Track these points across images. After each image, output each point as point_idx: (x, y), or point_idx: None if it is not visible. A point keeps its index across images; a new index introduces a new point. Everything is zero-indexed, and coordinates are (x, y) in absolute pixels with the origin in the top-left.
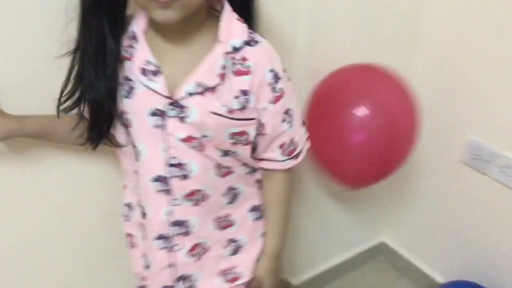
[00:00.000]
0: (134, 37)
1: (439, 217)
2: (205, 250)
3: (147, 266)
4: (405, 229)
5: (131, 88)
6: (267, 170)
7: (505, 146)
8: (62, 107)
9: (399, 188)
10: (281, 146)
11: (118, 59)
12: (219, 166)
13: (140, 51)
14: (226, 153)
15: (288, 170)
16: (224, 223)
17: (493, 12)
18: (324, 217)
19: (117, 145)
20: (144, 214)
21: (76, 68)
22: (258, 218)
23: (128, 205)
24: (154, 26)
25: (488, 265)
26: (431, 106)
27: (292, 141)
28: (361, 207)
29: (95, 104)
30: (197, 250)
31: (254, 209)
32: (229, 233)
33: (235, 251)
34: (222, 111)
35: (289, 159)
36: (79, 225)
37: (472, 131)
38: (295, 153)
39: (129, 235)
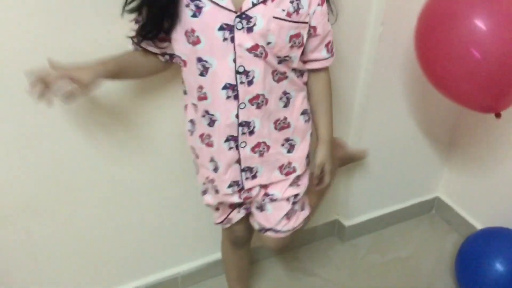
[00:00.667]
0: None
1: (499, 178)
2: (266, 148)
3: (215, 169)
4: (460, 185)
5: (199, 7)
6: (313, 70)
7: None
8: (127, 7)
9: (459, 144)
10: (327, 44)
11: None
12: (275, 72)
13: None
14: (281, 60)
15: (327, 68)
16: (281, 125)
17: None
18: (383, 166)
19: (165, 53)
20: (213, 122)
21: None
22: (307, 121)
23: (192, 121)
24: None
25: None
26: None
27: (331, 41)
28: (420, 161)
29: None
30: (259, 148)
31: (304, 112)
32: (286, 133)
33: (290, 150)
34: (282, 15)
35: (331, 56)
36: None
37: None
38: (334, 49)
39: (193, 148)
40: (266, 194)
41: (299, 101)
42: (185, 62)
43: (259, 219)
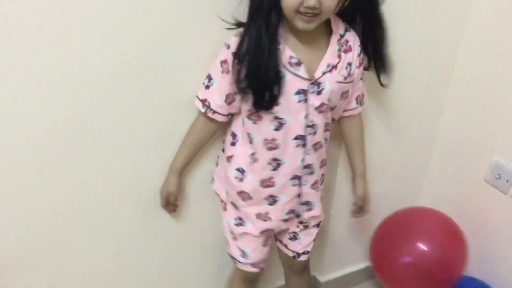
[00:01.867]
0: (278, 41)
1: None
2: (319, 184)
3: (271, 203)
4: None
5: (280, 77)
6: (347, 117)
7: None
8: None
9: (420, 201)
10: (357, 98)
11: (276, 52)
12: (327, 124)
13: (285, 50)
14: (331, 111)
15: (360, 114)
16: (323, 164)
17: None
18: (355, 221)
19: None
20: (278, 166)
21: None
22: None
23: (239, 169)
24: (292, 30)
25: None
26: (461, 124)
27: (362, 93)
28: None
29: (262, 86)
30: (316, 185)
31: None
32: (322, 170)
33: (321, 183)
34: (341, 79)
35: (360, 106)
36: None
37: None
38: (363, 100)
39: (242, 192)
40: (301, 222)
41: (327, 145)
42: (260, 118)
43: (294, 248)
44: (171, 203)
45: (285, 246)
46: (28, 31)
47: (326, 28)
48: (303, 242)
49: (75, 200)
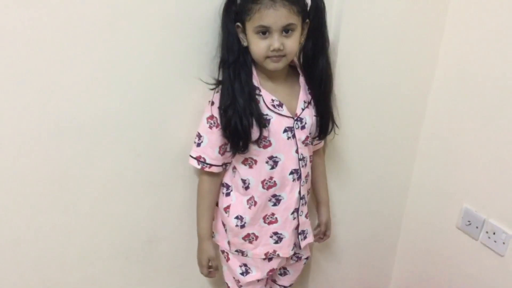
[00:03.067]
0: (257, 88)
1: (430, 280)
2: (308, 212)
3: (277, 242)
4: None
5: (268, 119)
6: (317, 150)
7: (492, 214)
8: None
9: (400, 248)
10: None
11: (254, 95)
12: (310, 155)
13: (266, 96)
14: (309, 143)
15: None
16: (308, 192)
17: (489, 93)
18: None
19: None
20: (278, 201)
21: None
22: None
23: (238, 217)
24: (264, 76)
25: None
26: (432, 173)
27: None
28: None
29: (241, 125)
30: (307, 213)
31: None
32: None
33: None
34: (315, 113)
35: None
36: None
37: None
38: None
39: (248, 235)
40: (295, 253)
41: None
42: (256, 162)
43: (282, 282)
44: (214, 267)
45: (274, 281)
46: (15, 79)
47: (294, 71)
48: (291, 278)
49: (63, 246)
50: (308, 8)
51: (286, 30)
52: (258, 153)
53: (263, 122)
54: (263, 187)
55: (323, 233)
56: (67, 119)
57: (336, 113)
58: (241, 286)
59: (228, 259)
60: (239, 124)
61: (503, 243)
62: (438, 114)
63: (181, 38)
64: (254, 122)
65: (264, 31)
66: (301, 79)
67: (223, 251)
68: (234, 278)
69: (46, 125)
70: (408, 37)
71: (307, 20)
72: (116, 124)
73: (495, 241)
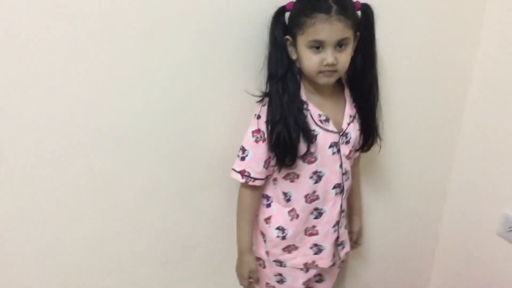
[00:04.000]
0: (305, 103)
1: (471, 286)
2: (346, 224)
3: (316, 253)
4: None
5: (315, 135)
6: (353, 158)
7: None
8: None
9: (438, 255)
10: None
11: (304, 112)
12: (351, 167)
13: (313, 110)
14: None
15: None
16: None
17: None
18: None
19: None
20: (320, 215)
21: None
22: None
23: (280, 228)
24: (312, 90)
25: None
26: (471, 178)
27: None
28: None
29: (290, 140)
30: (346, 225)
31: None
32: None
33: None
34: (359, 127)
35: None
36: None
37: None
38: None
39: (288, 246)
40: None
41: None
42: (298, 176)
43: None
44: (255, 279)
45: None
46: (52, 87)
47: (339, 84)
48: (328, 284)
49: (102, 252)
50: (359, 20)
51: (340, 44)
52: (302, 168)
53: (310, 138)
54: (306, 201)
55: (354, 241)
56: (107, 128)
57: (381, 127)
58: None
59: (264, 267)
60: (288, 140)
61: None
62: (476, 118)
63: (224, 48)
64: (302, 138)
65: (318, 46)
66: (347, 92)
67: (259, 258)
68: (268, 284)
69: (87, 133)
70: (443, 46)
71: (358, 33)
72: (153, 132)
73: None
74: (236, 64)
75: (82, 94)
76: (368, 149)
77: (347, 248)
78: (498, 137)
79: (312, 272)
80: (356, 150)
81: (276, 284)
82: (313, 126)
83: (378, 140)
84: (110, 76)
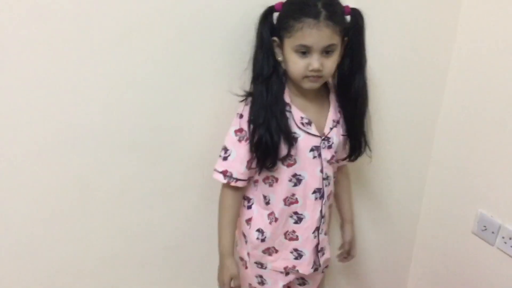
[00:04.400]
0: (288, 105)
1: (447, 284)
2: (327, 230)
3: (296, 258)
4: None
5: (295, 138)
6: (340, 167)
7: (507, 219)
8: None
9: (415, 254)
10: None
11: (285, 115)
12: (334, 173)
13: (295, 112)
14: (335, 162)
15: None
16: (329, 211)
17: (505, 96)
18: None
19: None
20: (300, 220)
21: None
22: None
23: (259, 230)
24: (296, 92)
25: None
26: (446, 178)
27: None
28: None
29: (272, 142)
30: (326, 231)
31: None
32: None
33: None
34: (344, 132)
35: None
36: None
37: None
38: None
39: (268, 249)
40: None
41: None
42: (277, 180)
43: None
44: (237, 285)
45: None
46: (29, 87)
47: (325, 88)
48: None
49: (79, 255)
50: (349, 24)
51: (327, 50)
52: (281, 171)
53: (291, 141)
54: (285, 204)
55: (347, 252)
56: (83, 128)
57: (370, 135)
58: None
59: (246, 267)
60: (270, 141)
61: None
62: (451, 119)
63: (207, 47)
64: (282, 140)
65: (304, 51)
66: (332, 97)
67: (242, 259)
68: (250, 284)
69: (62, 133)
70: (420, 49)
71: (346, 38)
72: (133, 132)
73: (511, 246)
74: (219, 64)
75: (60, 93)
76: (355, 159)
77: (327, 254)
78: (473, 138)
79: (292, 276)
80: (343, 159)
81: (258, 286)
82: (294, 129)
83: (367, 151)
84: (89, 75)
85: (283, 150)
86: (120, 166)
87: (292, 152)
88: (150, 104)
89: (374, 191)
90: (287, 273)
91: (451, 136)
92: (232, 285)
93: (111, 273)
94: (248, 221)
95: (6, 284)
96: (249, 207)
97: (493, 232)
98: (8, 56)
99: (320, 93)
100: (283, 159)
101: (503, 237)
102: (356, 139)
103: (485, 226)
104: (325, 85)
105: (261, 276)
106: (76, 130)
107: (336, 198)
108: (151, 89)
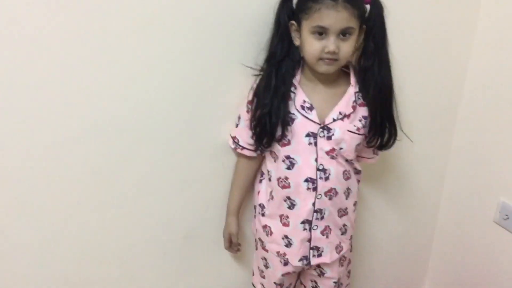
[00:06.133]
0: (294, 86)
1: (467, 275)
2: (329, 231)
3: (287, 245)
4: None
5: (292, 119)
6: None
7: None
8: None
9: (435, 243)
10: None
11: (288, 97)
12: (345, 171)
13: (299, 95)
14: (348, 162)
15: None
16: (342, 213)
17: None
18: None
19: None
20: (292, 206)
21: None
22: (355, 210)
23: (261, 205)
24: (309, 76)
25: None
26: (467, 167)
27: None
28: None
29: (270, 124)
30: (326, 231)
31: (355, 203)
32: (344, 220)
33: (343, 233)
34: (354, 129)
35: (376, 155)
36: None
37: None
38: (378, 151)
39: (266, 226)
40: (319, 267)
41: (353, 195)
42: (278, 157)
43: None
44: (234, 243)
45: None
46: (50, 80)
47: (345, 81)
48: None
49: (101, 244)
50: (368, 14)
51: (344, 33)
52: (277, 150)
53: (287, 120)
54: (278, 184)
55: None
56: (105, 118)
57: (398, 123)
58: (264, 277)
59: (256, 248)
60: (268, 123)
61: None
62: (473, 107)
63: (225, 30)
64: (280, 122)
65: (321, 32)
66: (351, 89)
67: (255, 240)
68: (258, 267)
69: (84, 124)
70: (440, 41)
71: (364, 26)
72: (152, 121)
73: None
74: (239, 52)
75: (79, 86)
76: (386, 146)
77: (324, 258)
78: (495, 126)
79: (290, 268)
80: (371, 147)
81: (264, 268)
82: (293, 110)
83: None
84: (108, 68)
85: (279, 130)
86: (139, 157)
87: (287, 133)
88: (168, 93)
89: (395, 180)
90: (285, 263)
91: (473, 125)
92: (233, 240)
93: (132, 264)
94: (258, 194)
95: (28, 276)
96: (260, 181)
97: None
98: (27, 50)
99: (337, 83)
100: (279, 140)
101: None
102: (386, 131)
103: (507, 215)
104: (347, 77)
105: (265, 259)
106: (95, 122)
107: None
108: (168, 78)
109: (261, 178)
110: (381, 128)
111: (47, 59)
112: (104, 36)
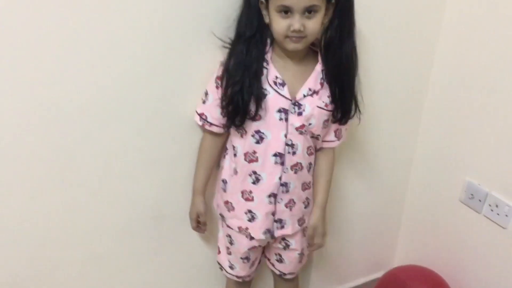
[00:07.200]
0: (267, 62)
1: (434, 252)
2: (293, 204)
3: (250, 220)
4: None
5: (265, 94)
6: (324, 148)
7: (494, 187)
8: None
9: (404, 222)
10: (335, 131)
11: (260, 74)
12: (309, 147)
13: (271, 71)
14: (313, 137)
15: (334, 148)
16: (305, 187)
17: (491, 64)
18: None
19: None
20: (258, 181)
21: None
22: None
23: (223, 181)
24: (280, 53)
25: None
26: (434, 147)
27: (339, 128)
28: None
29: (242, 102)
30: (290, 204)
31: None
32: (306, 193)
33: (306, 206)
34: (322, 105)
35: (337, 140)
36: None
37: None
38: (341, 135)
39: (227, 202)
40: (284, 239)
41: (312, 170)
42: (246, 132)
43: (280, 268)
44: (203, 223)
45: (272, 265)
46: (18, 61)
47: (314, 58)
48: (287, 267)
49: (67, 225)
50: None
51: (309, 10)
52: (247, 124)
53: (260, 96)
54: (245, 159)
55: (310, 237)
56: (67, 99)
57: (360, 99)
58: (230, 253)
59: (222, 225)
60: (241, 101)
61: (506, 215)
62: (440, 87)
63: (193, 2)
64: (253, 99)
65: (286, 11)
66: (318, 66)
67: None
68: (225, 245)
69: (47, 105)
70: (410, 12)
71: (332, 1)
72: (117, 100)
73: (498, 214)
74: (207, 27)
75: (43, 65)
76: (346, 120)
77: (287, 230)
78: (462, 106)
79: (255, 242)
80: (335, 122)
81: (229, 245)
82: (265, 85)
83: (358, 113)
84: (70, 45)
85: (252, 107)
86: (106, 137)
87: (260, 109)
88: (133, 71)
89: (363, 159)
90: (251, 238)
91: (440, 105)
92: (201, 220)
93: (99, 243)
94: (221, 170)
95: None
96: (224, 157)
97: (480, 200)
98: None
99: (307, 60)
100: (253, 117)
101: (489, 205)
102: (347, 103)
103: (472, 194)
104: (316, 53)
105: (229, 236)
106: (61, 101)
107: (313, 179)
108: (135, 55)
109: (224, 154)
110: (342, 100)
111: (10, 35)
112: (66, 13)
